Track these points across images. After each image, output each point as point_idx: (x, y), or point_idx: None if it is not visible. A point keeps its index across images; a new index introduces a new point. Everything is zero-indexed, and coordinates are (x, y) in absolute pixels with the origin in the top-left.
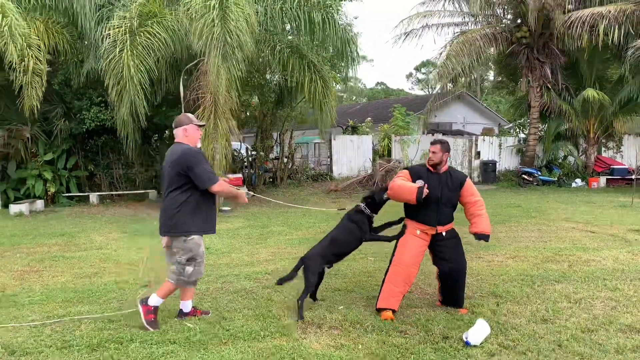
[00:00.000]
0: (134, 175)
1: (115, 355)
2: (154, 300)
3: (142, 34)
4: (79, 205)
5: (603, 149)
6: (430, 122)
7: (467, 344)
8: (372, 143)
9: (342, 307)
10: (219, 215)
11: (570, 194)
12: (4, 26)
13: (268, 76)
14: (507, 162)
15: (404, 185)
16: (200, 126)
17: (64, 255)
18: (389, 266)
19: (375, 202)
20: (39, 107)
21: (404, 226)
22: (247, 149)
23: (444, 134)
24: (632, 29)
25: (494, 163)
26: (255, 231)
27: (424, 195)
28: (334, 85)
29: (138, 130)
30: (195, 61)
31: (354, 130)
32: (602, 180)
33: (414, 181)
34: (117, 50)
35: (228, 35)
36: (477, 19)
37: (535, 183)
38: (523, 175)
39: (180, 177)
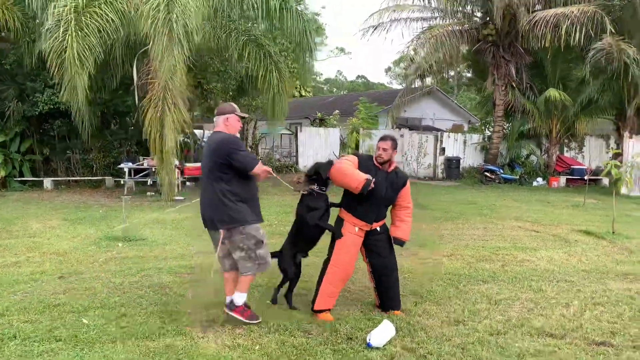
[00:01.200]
0: (91, 161)
1: None
2: (240, 298)
3: (88, 14)
4: (32, 190)
5: (565, 149)
6: (399, 117)
7: (368, 345)
8: (340, 136)
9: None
10: (170, 204)
11: (529, 193)
12: None
13: (227, 63)
14: (471, 159)
15: (353, 173)
16: (241, 117)
17: None
18: (325, 266)
19: (321, 178)
20: None
21: (341, 220)
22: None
23: (411, 129)
24: (592, 31)
25: (457, 160)
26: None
27: (369, 189)
28: (293, 76)
29: (94, 114)
30: (148, 46)
31: (322, 122)
32: (562, 179)
33: (361, 171)
34: (61, 30)
35: (174, 21)
36: (446, 15)
37: (497, 181)
38: (485, 173)
39: (222, 167)
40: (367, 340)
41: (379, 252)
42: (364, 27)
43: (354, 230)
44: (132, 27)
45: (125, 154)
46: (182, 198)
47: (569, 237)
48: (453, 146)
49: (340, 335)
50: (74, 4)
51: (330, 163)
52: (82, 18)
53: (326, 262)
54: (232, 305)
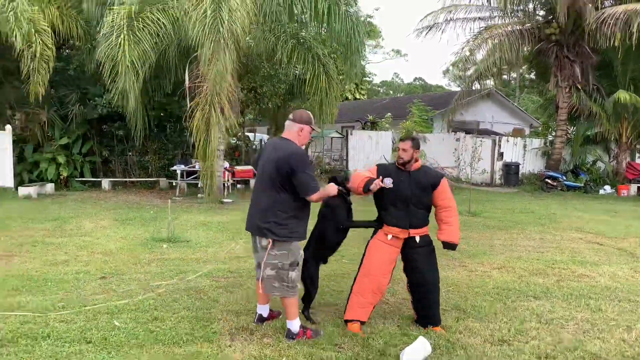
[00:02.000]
0: (147, 163)
1: (20, 352)
2: (294, 325)
3: (141, 19)
4: (91, 190)
5: (637, 155)
6: (455, 120)
7: None
8: (392, 140)
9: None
10: (218, 207)
11: (594, 202)
12: (9, 11)
13: (276, 67)
14: (531, 164)
15: (359, 175)
16: (313, 130)
17: (45, 240)
18: (356, 275)
19: (337, 181)
20: (43, 93)
21: (378, 225)
22: (260, 140)
23: (467, 133)
24: None
25: (517, 165)
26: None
27: (373, 188)
28: (342, 79)
29: (149, 118)
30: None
31: (374, 125)
32: (633, 188)
33: (380, 176)
34: (114, 36)
35: (221, 25)
36: (505, 14)
37: (559, 188)
38: (547, 180)
39: (284, 178)
40: (400, 358)
41: (417, 266)
42: (418, 28)
43: (386, 238)
44: (183, 32)
45: (179, 157)
46: (230, 200)
47: (637, 251)
48: (512, 151)
49: (373, 350)
50: (127, 11)
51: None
52: (135, 24)
53: (358, 271)
54: (290, 335)
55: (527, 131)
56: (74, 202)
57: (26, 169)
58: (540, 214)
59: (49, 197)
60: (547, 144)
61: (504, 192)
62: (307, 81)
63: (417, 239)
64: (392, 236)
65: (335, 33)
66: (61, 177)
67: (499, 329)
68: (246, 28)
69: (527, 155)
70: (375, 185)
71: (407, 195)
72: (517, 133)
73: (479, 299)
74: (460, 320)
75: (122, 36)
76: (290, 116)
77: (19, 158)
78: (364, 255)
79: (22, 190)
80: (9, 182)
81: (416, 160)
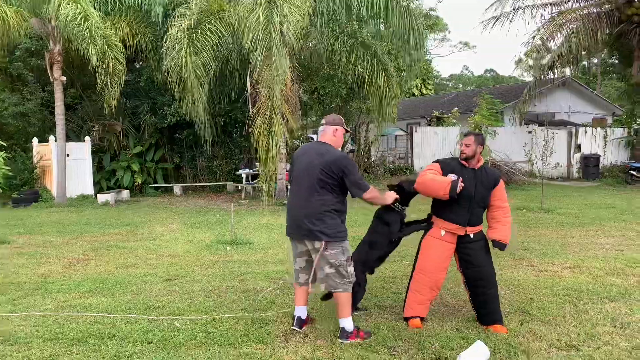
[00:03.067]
0: (215, 168)
1: (88, 351)
2: (348, 323)
3: (200, 30)
4: (164, 195)
5: None
6: (528, 112)
7: None
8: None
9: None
10: (282, 209)
11: None
12: (85, 30)
13: (336, 67)
14: (613, 156)
15: (435, 180)
16: (347, 131)
17: (118, 244)
18: (412, 272)
19: (404, 191)
20: (116, 105)
21: (431, 222)
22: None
23: (540, 125)
24: None
25: (596, 157)
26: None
27: (458, 190)
28: (403, 76)
29: (216, 124)
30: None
31: (439, 121)
32: None
33: (445, 174)
34: (176, 49)
35: (273, 31)
36: None
37: None
38: (631, 172)
39: (334, 180)
40: None
41: (472, 262)
42: (484, 20)
43: (439, 234)
44: (241, 40)
45: (244, 160)
46: None
47: None
48: (591, 142)
49: (427, 354)
50: (187, 24)
51: (413, 181)
52: (194, 36)
53: (413, 269)
54: (345, 334)
55: (609, 120)
56: (147, 208)
57: (104, 177)
58: (622, 209)
59: (124, 203)
60: (632, 133)
61: (582, 187)
62: (366, 80)
63: (472, 235)
64: (446, 232)
65: (394, 29)
66: (136, 183)
67: (567, 333)
68: (298, 32)
69: (608, 146)
70: (461, 187)
71: (471, 193)
72: (597, 123)
73: (547, 301)
74: (525, 324)
75: (183, 49)
76: (323, 121)
77: (98, 167)
78: (417, 252)
79: (101, 197)
80: (89, 189)
81: (479, 160)
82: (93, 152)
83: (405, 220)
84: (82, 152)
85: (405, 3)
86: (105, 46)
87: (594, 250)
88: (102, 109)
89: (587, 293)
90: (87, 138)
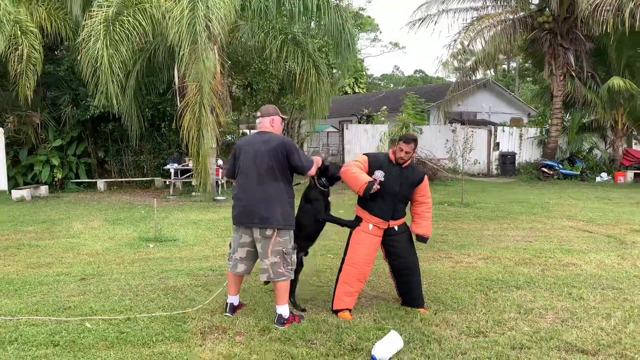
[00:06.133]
0: (142, 163)
1: None
2: (285, 310)
3: (118, 23)
4: (87, 191)
5: (634, 141)
6: (452, 112)
7: (372, 358)
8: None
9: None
10: (211, 205)
11: (590, 189)
12: None
13: (267, 62)
14: (527, 153)
15: (356, 176)
16: (283, 118)
17: (32, 243)
18: (341, 265)
19: (328, 171)
20: (32, 96)
21: (359, 218)
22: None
23: (462, 124)
24: None
25: (513, 155)
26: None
27: (372, 191)
28: (334, 74)
29: (143, 117)
30: (190, 49)
31: (369, 119)
32: (630, 174)
33: (372, 169)
34: (92, 41)
35: (198, 24)
36: (498, 3)
37: (556, 177)
38: (543, 169)
39: (282, 165)
40: (372, 352)
41: (398, 253)
42: (412, 20)
43: (367, 228)
44: (166, 32)
45: (173, 155)
46: (224, 198)
47: (626, 238)
48: (508, 141)
49: (344, 346)
50: (103, 16)
51: (340, 167)
52: (112, 28)
53: (342, 262)
54: (281, 321)
55: (525, 120)
56: (67, 204)
57: (20, 172)
58: (533, 203)
59: (43, 199)
60: (543, 133)
61: (500, 182)
62: (298, 76)
63: (396, 227)
64: (374, 226)
65: (325, 27)
66: (56, 179)
67: (476, 321)
68: (227, 27)
69: (523, 145)
70: (375, 189)
71: (396, 190)
72: (514, 123)
73: (460, 291)
74: (439, 313)
75: (99, 42)
76: (258, 113)
77: (13, 161)
78: (347, 246)
79: (16, 193)
80: (3, 185)
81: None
82: (7, 145)
83: (336, 214)
84: None
85: (334, 2)
86: (19, 32)
87: (506, 242)
88: (18, 99)
89: (497, 282)
90: (0, 130)
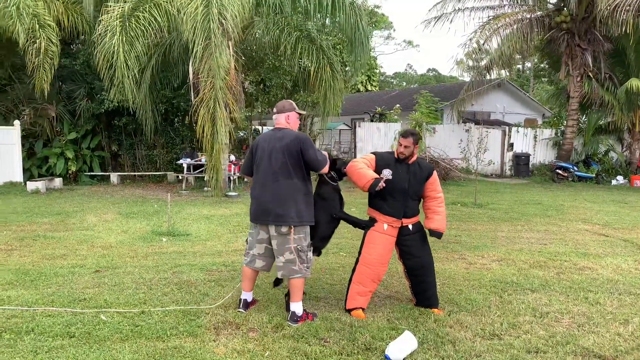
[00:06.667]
0: (155, 157)
1: (2, 347)
2: (298, 308)
3: (134, 18)
4: (100, 184)
5: None
6: (465, 111)
7: (386, 358)
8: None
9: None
10: (223, 200)
11: (605, 192)
12: (12, 6)
13: (282, 59)
14: (542, 155)
15: (363, 172)
16: (299, 114)
17: (46, 234)
18: (355, 265)
19: (335, 166)
20: (48, 89)
21: (373, 219)
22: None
23: (477, 124)
24: None
25: (527, 156)
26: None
27: (378, 188)
28: (348, 71)
29: (158, 112)
30: (204, 44)
31: (382, 117)
32: None
33: (379, 168)
34: (108, 36)
35: (212, 21)
36: (515, 2)
37: (570, 179)
38: (557, 170)
39: (297, 161)
40: (386, 352)
41: (413, 253)
42: (427, 19)
43: (382, 229)
44: (181, 28)
45: (186, 150)
46: (235, 194)
47: None
48: (522, 141)
49: (358, 345)
50: (120, 11)
51: (346, 163)
52: (127, 24)
53: (356, 261)
54: (294, 318)
55: (539, 121)
56: (81, 197)
57: (35, 164)
58: (548, 205)
59: (57, 191)
60: (559, 134)
61: (513, 184)
62: (312, 73)
63: (410, 226)
64: (388, 226)
65: (340, 25)
66: (70, 171)
67: (491, 323)
68: (239, 23)
69: (537, 146)
70: (381, 187)
71: (405, 187)
72: (529, 123)
73: (474, 292)
74: (453, 314)
75: (115, 37)
76: (274, 109)
77: (29, 153)
78: (361, 246)
79: (31, 185)
80: (18, 177)
81: (413, 155)
82: (23, 137)
83: (350, 213)
84: (10, 136)
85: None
86: (37, 25)
87: (520, 244)
88: (34, 92)
89: (511, 285)
90: (17, 122)
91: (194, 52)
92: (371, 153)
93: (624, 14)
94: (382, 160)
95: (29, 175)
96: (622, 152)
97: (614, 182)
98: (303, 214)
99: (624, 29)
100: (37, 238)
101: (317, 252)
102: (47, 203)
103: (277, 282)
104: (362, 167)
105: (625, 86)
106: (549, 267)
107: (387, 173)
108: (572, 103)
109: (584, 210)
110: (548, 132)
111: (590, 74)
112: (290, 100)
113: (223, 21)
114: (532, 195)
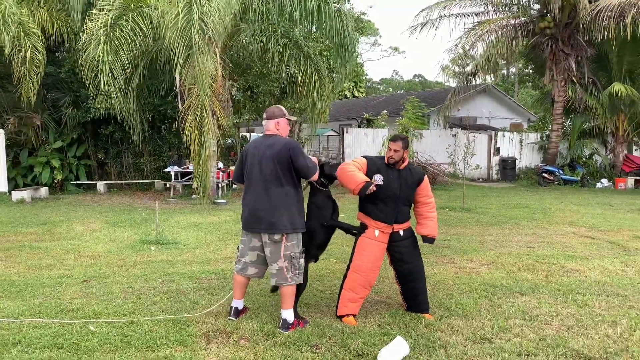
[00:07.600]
0: (142, 165)
1: None
2: (290, 315)
3: (118, 28)
4: (86, 193)
5: (634, 147)
6: (452, 116)
7: None
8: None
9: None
10: (212, 208)
11: (591, 195)
12: None
13: (269, 65)
14: (528, 159)
15: (353, 175)
16: (289, 120)
17: (32, 244)
18: (346, 272)
19: (323, 171)
20: (35, 97)
21: (364, 225)
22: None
23: (464, 129)
24: None
25: (513, 160)
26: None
27: (368, 192)
28: (335, 78)
29: (145, 120)
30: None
31: (369, 123)
32: (630, 181)
33: (370, 172)
34: (92, 45)
35: (193, 28)
36: (499, 8)
37: (556, 182)
38: (543, 174)
39: (287, 168)
40: (378, 359)
41: (405, 259)
42: (413, 25)
43: (373, 235)
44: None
45: (173, 158)
46: (224, 201)
47: (629, 244)
48: (508, 146)
49: (350, 351)
50: (104, 19)
51: (337, 165)
52: (112, 32)
53: (347, 268)
54: (286, 325)
55: (525, 126)
56: (67, 206)
57: (20, 173)
58: (534, 209)
59: (43, 201)
60: (544, 138)
61: (500, 187)
62: (299, 80)
63: (402, 232)
64: (379, 232)
65: (326, 31)
66: (56, 180)
67: (481, 327)
68: (224, 30)
69: (523, 150)
70: (371, 191)
71: (397, 193)
72: (514, 128)
73: (464, 297)
74: (443, 319)
75: (100, 46)
76: (264, 115)
77: (14, 162)
78: (352, 252)
79: (16, 195)
80: (3, 186)
81: (404, 160)
82: (8, 146)
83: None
84: None
85: (337, 6)
86: (22, 33)
87: (509, 248)
88: (19, 101)
89: (501, 288)
90: (1, 131)
91: (176, 60)
92: (362, 157)
93: (606, 19)
94: (373, 165)
95: (13, 184)
96: (606, 155)
97: (598, 185)
98: (295, 221)
99: (606, 34)
100: (23, 248)
101: (314, 259)
102: (32, 213)
103: (275, 288)
104: (353, 170)
105: (608, 90)
106: (537, 270)
107: (378, 178)
108: (557, 107)
109: (570, 213)
110: (533, 136)
111: (574, 78)
112: (280, 106)
113: (205, 28)
114: (519, 199)
